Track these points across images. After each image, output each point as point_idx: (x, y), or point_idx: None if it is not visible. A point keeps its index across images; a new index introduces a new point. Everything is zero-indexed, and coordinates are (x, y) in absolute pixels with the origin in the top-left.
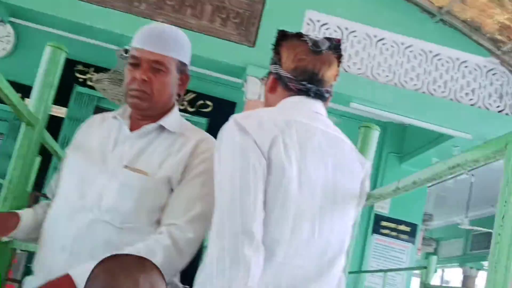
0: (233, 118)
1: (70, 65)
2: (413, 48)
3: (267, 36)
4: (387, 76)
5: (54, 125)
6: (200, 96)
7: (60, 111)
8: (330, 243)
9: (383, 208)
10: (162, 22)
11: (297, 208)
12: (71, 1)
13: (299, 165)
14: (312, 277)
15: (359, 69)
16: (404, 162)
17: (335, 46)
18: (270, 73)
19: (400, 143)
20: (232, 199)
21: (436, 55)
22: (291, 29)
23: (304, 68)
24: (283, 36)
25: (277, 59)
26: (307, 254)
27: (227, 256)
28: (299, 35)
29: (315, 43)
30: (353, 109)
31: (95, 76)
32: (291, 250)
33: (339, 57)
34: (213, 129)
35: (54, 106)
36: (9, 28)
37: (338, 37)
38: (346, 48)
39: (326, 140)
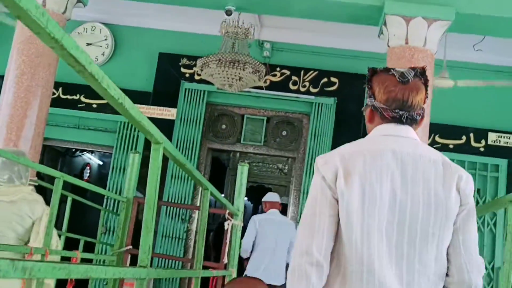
0: (316, 158)
1: (175, 60)
2: None
3: None
4: None
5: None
6: (322, 73)
7: (170, 113)
8: None
9: None
10: None
11: (363, 224)
12: None
13: (363, 187)
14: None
15: None
16: None
17: (421, 73)
18: (366, 105)
19: None
20: (302, 226)
21: None
22: None
23: (394, 98)
24: (373, 72)
25: (371, 93)
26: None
27: (296, 271)
28: (386, 70)
29: (402, 74)
30: None
31: (200, 60)
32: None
33: (425, 82)
34: (342, 109)
35: (163, 107)
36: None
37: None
38: None
39: (400, 159)
